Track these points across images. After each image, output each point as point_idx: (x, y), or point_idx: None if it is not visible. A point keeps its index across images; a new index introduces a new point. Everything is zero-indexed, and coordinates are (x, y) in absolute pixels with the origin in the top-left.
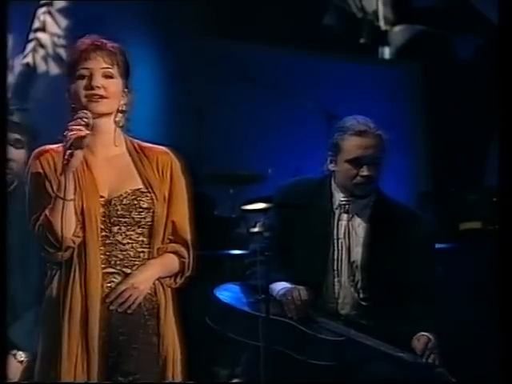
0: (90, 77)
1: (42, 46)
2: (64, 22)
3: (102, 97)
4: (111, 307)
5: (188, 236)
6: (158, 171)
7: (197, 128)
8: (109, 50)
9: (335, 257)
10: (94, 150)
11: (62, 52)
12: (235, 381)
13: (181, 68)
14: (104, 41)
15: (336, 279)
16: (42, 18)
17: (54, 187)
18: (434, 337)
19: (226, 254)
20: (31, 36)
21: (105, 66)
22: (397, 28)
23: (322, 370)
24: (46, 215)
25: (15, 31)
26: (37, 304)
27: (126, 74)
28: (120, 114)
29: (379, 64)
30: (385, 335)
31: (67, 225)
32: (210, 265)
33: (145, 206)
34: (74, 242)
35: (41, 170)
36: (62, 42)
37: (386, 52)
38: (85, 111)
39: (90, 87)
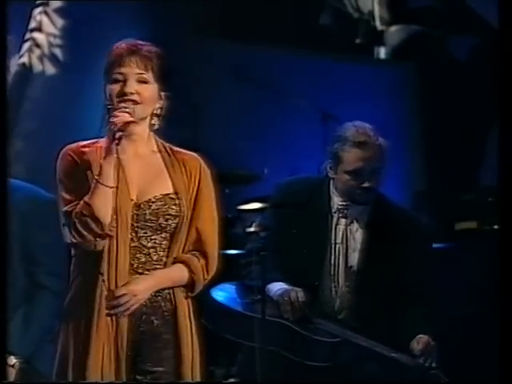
0: (125, 82)
1: (37, 45)
2: (60, 22)
3: (135, 102)
4: (106, 310)
5: (210, 247)
6: (187, 175)
7: (193, 127)
8: (143, 55)
9: (332, 261)
10: (126, 149)
11: (57, 52)
12: (231, 380)
13: (178, 67)
14: (140, 45)
15: (333, 284)
16: (38, 17)
17: (89, 176)
18: (433, 339)
19: (221, 254)
20: (27, 36)
21: (139, 71)
22: (393, 28)
23: (317, 370)
24: (85, 201)
25: (11, 31)
26: (23, 305)
27: (162, 78)
28: (155, 118)
29: (375, 64)
30: (381, 339)
31: (107, 211)
32: None
33: (173, 213)
34: (111, 231)
35: (74, 163)
36: (58, 41)
37: (382, 52)
38: (127, 103)
39: (123, 93)
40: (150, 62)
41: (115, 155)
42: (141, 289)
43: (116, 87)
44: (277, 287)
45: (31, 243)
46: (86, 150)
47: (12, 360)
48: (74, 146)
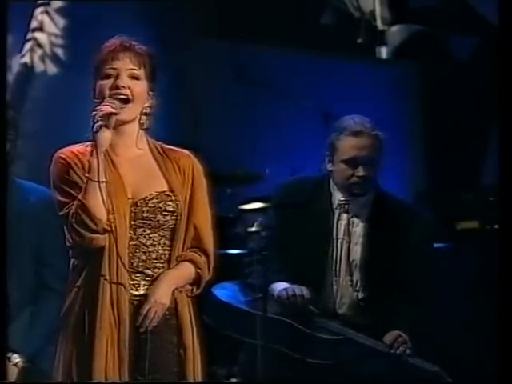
0: (117, 77)
1: (39, 45)
2: (62, 22)
3: (126, 98)
4: (141, 330)
5: (208, 244)
6: (181, 173)
7: (194, 127)
8: (136, 52)
9: (334, 256)
10: (117, 150)
11: (59, 52)
12: (232, 380)
13: (179, 68)
14: (133, 42)
15: (334, 279)
16: (39, 17)
17: (81, 174)
18: (408, 336)
19: (223, 254)
20: (29, 36)
21: (132, 66)
22: (394, 28)
23: (318, 368)
24: (79, 200)
25: (13, 31)
26: (30, 305)
27: (152, 76)
28: (144, 117)
29: (376, 64)
30: (382, 334)
31: (101, 207)
32: None
33: (170, 209)
34: (108, 226)
35: (67, 166)
36: (59, 41)
37: (383, 52)
38: (115, 99)
39: (115, 87)
40: (142, 58)
41: (101, 149)
42: (162, 295)
43: (108, 82)
44: (280, 286)
45: (43, 245)
46: (78, 152)
47: (15, 359)
48: (65, 149)
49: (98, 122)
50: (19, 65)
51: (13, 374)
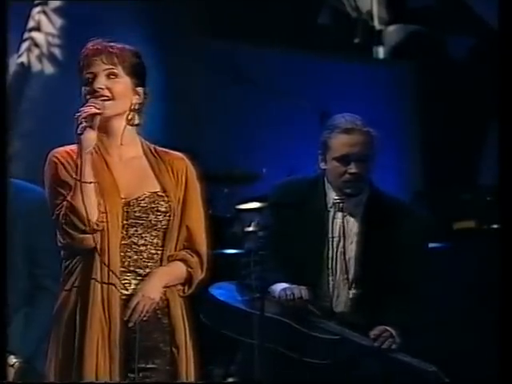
0: (93, 79)
1: (36, 45)
2: (59, 22)
3: (106, 98)
4: (130, 324)
5: (201, 245)
6: (174, 175)
7: (191, 127)
8: (109, 52)
9: (330, 255)
10: (110, 151)
11: (56, 51)
12: (229, 380)
13: (176, 68)
14: (104, 43)
15: (330, 277)
16: (36, 17)
17: (72, 174)
18: (396, 332)
19: (220, 254)
20: (26, 35)
21: (107, 67)
22: (391, 28)
23: (316, 368)
24: (67, 201)
25: (10, 31)
26: (25, 306)
27: (135, 71)
28: (132, 113)
29: (374, 64)
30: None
31: (90, 207)
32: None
33: (162, 209)
34: (98, 226)
35: (60, 167)
36: (56, 41)
37: (381, 52)
38: (97, 99)
39: (92, 91)
40: (116, 57)
41: (86, 150)
42: (150, 289)
43: (87, 87)
44: (281, 287)
45: (36, 246)
46: (72, 152)
47: (12, 360)
48: (59, 150)
49: (81, 123)
50: (16, 64)
51: (9, 374)
